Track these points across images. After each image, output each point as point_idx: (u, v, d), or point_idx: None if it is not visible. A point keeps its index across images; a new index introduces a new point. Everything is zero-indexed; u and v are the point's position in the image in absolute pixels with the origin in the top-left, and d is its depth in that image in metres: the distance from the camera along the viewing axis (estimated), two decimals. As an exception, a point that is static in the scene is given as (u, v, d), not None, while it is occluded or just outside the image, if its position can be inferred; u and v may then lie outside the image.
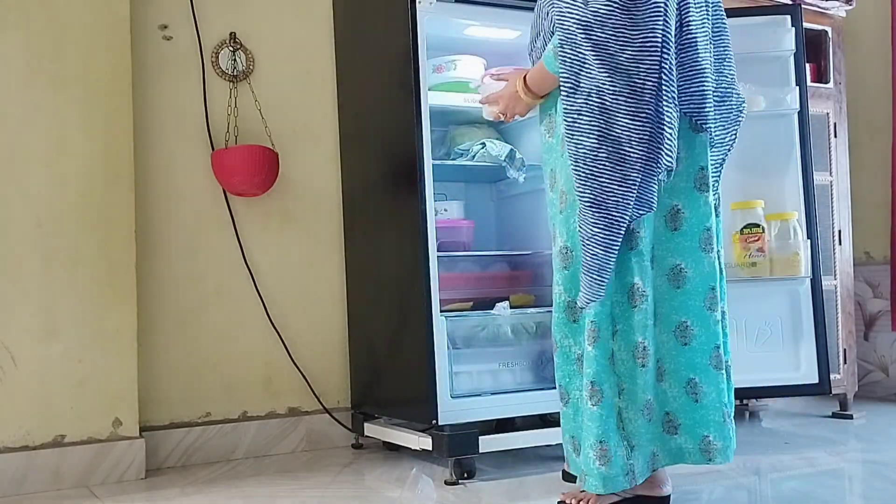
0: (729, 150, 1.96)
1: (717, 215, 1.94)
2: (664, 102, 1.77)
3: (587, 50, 1.75)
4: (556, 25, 1.80)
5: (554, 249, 1.93)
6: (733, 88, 1.95)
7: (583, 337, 1.87)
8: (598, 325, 1.83)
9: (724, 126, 1.93)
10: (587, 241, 1.81)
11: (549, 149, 1.97)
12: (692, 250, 1.88)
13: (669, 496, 1.95)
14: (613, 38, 1.73)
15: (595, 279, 1.81)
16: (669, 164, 1.80)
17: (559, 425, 2.46)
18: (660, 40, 1.74)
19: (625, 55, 1.74)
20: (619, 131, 1.76)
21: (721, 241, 1.96)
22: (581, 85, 1.78)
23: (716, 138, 1.90)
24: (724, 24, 1.95)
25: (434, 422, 2.30)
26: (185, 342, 2.68)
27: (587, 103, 1.77)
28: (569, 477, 2.21)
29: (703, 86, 1.85)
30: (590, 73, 1.76)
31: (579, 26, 1.75)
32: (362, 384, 2.80)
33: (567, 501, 1.96)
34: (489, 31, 2.64)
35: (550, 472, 2.37)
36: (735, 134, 1.96)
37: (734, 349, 2.17)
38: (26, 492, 2.29)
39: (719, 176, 1.96)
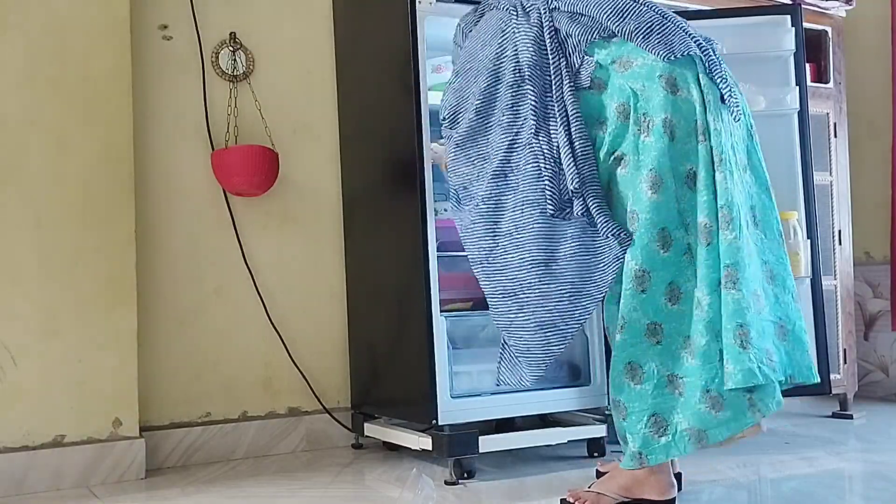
0: (685, 53, 1.92)
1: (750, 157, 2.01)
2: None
3: None
4: None
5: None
6: (659, 17, 1.99)
7: (652, 308, 1.88)
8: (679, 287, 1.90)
9: (666, 41, 1.92)
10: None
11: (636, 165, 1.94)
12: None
13: (674, 499, 1.95)
14: None
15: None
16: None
17: (559, 425, 2.49)
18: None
19: None
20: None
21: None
22: None
23: (678, 56, 1.91)
24: None
25: (434, 422, 2.30)
26: (185, 342, 2.68)
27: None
28: (602, 476, 2.20)
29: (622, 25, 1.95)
30: None
31: None
32: (362, 384, 2.80)
33: (570, 500, 1.96)
34: (489, 31, 2.64)
35: (550, 472, 2.37)
36: (683, 40, 1.95)
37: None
38: (26, 492, 2.29)
39: (726, 85, 1.94)
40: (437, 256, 2.35)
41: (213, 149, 2.74)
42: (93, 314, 2.40)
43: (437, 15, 2.39)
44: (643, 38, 1.92)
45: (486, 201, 2.04)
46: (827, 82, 3.16)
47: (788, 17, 2.82)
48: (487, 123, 2.06)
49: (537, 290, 1.99)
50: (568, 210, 1.97)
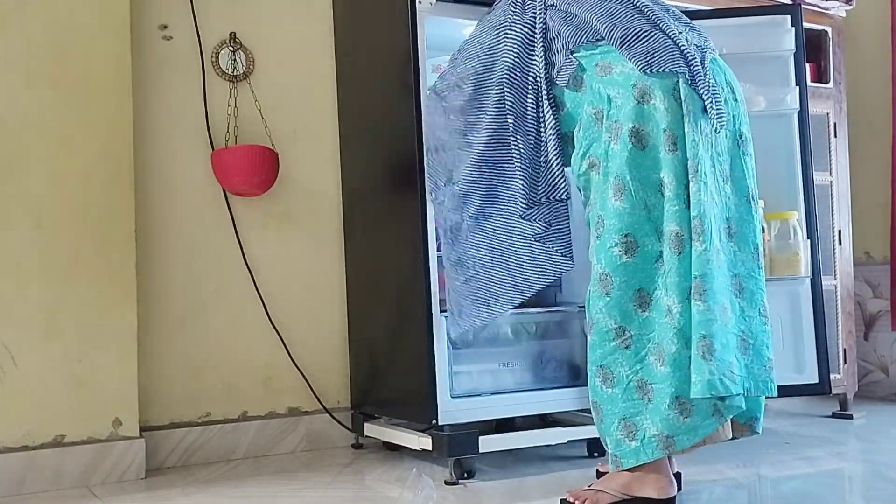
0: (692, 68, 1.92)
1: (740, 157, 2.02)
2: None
3: None
4: None
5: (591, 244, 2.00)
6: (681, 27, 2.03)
7: (619, 312, 1.90)
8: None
9: (648, 52, 1.93)
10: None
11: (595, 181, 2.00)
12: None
13: (674, 498, 1.95)
14: None
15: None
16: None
17: (559, 425, 2.49)
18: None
19: None
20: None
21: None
22: None
23: (655, 70, 1.91)
24: None
25: (434, 422, 2.30)
26: (185, 342, 2.68)
27: None
28: (602, 476, 2.20)
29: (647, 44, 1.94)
30: None
31: None
32: (362, 384, 2.80)
33: (570, 500, 1.96)
34: (489, 31, 2.64)
35: (550, 472, 2.37)
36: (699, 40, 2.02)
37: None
38: (26, 492, 2.29)
39: (709, 95, 1.92)
40: (437, 256, 2.35)
41: (213, 149, 2.74)
42: (93, 314, 2.40)
43: (437, 15, 2.39)
44: (627, 46, 1.93)
45: (460, 184, 2.17)
46: (827, 82, 3.16)
47: (788, 17, 2.82)
48: (478, 108, 2.13)
49: (486, 272, 2.15)
50: (534, 211, 2.07)
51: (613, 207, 1.91)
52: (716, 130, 1.94)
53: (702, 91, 1.91)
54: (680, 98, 1.90)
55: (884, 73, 3.53)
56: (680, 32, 1.98)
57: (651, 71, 1.90)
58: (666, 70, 1.89)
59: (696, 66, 1.93)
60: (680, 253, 1.87)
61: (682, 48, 1.94)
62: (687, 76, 1.91)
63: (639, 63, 1.91)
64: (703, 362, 1.82)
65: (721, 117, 1.94)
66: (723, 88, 2.00)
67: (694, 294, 1.85)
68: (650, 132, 1.90)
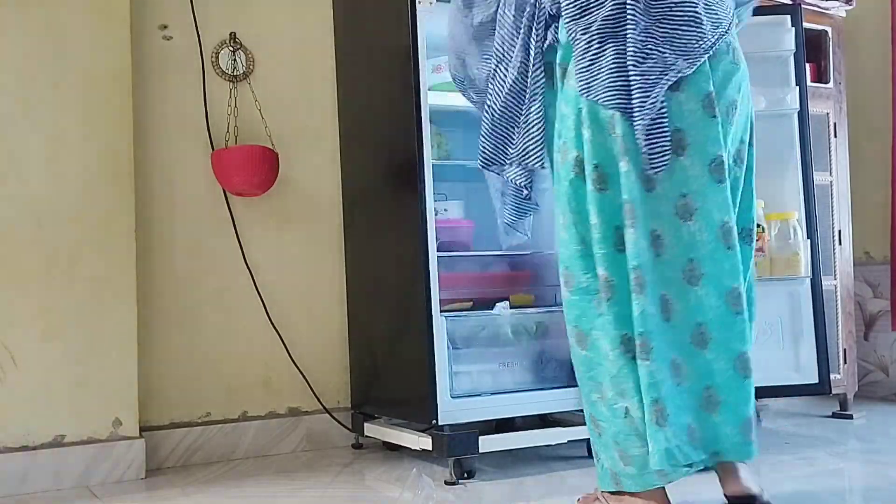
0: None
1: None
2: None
3: None
4: None
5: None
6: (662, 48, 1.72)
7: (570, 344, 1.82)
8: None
9: (593, 71, 1.71)
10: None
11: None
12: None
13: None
14: None
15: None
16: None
17: (559, 425, 2.49)
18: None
19: None
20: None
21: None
22: None
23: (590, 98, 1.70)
24: None
25: (434, 422, 2.30)
26: (185, 342, 2.68)
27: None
28: None
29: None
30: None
31: None
32: (362, 384, 2.80)
33: None
34: (489, 31, 2.64)
35: (550, 472, 2.37)
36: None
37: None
38: (26, 492, 2.29)
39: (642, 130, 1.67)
40: (437, 256, 2.35)
41: (213, 149, 2.74)
42: (92, 314, 2.40)
43: (437, 15, 2.38)
44: (576, 58, 1.72)
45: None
46: (827, 82, 3.16)
47: (788, 17, 2.82)
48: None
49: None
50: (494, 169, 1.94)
51: (559, 237, 1.79)
52: (646, 174, 1.68)
53: (637, 131, 1.66)
54: (616, 133, 1.69)
55: (884, 73, 3.53)
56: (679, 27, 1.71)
57: (587, 98, 1.70)
58: (600, 102, 1.68)
59: (644, 95, 1.65)
60: (609, 299, 1.72)
61: (641, 68, 1.66)
62: (624, 110, 1.66)
63: (578, 83, 1.71)
64: (657, 429, 1.67)
65: (654, 161, 1.67)
66: (709, 104, 1.72)
67: (639, 353, 1.69)
68: (589, 163, 1.71)
